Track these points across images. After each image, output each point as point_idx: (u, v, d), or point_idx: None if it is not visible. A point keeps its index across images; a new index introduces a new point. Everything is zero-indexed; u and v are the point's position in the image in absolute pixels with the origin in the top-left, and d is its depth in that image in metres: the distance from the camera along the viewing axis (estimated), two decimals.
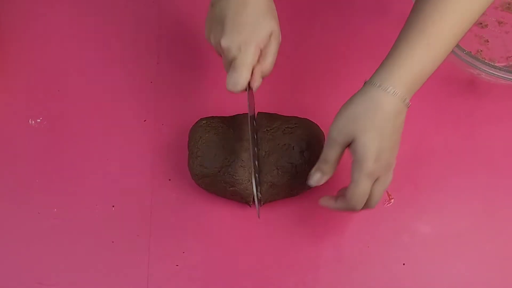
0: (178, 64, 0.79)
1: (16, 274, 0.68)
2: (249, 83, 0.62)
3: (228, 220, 0.70)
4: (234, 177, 0.66)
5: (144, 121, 0.76)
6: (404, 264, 0.68)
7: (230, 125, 0.69)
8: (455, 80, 0.79)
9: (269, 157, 0.67)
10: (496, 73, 0.70)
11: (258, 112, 0.71)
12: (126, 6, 0.84)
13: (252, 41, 0.60)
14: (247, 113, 0.72)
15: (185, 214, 0.70)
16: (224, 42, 0.61)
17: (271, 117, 0.70)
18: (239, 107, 0.72)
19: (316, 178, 0.63)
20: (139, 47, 0.80)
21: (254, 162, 0.64)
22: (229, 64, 0.62)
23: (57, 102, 0.77)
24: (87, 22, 0.82)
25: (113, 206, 0.71)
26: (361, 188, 0.59)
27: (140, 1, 0.84)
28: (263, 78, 0.64)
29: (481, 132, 0.75)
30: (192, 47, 0.80)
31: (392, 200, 0.71)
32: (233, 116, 0.71)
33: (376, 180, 0.60)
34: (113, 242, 0.69)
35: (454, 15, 0.59)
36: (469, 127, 0.76)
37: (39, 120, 0.76)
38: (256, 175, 0.64)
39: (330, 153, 0.61)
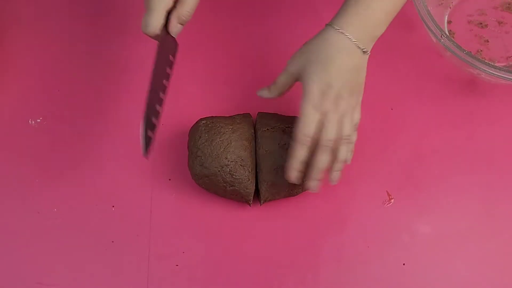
0: (178, 64, 0.79)
1: (16, 274, 0.68)
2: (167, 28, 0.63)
3: (228, 220, 0.70)
4: (234, 176, 0.66)
5: None
6: (404, 264, 0.68)
7: (230, 125, 0.69)
8: (455, 80, 0.79)
9: (269, 156, 0.67)
10: (496, 73, 0.70)
11: (258, 112, 0.71)
12: (126, 6, 0.83)
13: None
14: (247, 113, 0.72)
15: (185, 214, 0.70)
16: None
17: (271, 117, 0.70)
18: (239, 107, 0.72)
19: (263, 92, 0.68)
20: (139, 47, 0.80)
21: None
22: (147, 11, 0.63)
23: (57, 102, 0.77)
24: (87, 22, 0.82)
25: (113, 206, 0.71)
26: (308, 119, 0.62)
27: (140, 1, 0.84)
28: (184, 24, 0.65)
29: (481, 132, 0.75)
30: (192, 47, 0.80)
31: (392, 200, 0.71)
32: (233, 116, 0.71)
33: (343, 117, 0.63)
34: (113, 242, 0.69)
35: None
36: (469, 127, 0.76)
37: (39, 120, 0.76)
38: None
39: (280, 78, 0.66)
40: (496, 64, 0.73)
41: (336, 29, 0.62)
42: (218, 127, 0.68)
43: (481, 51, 0.80)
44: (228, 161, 0.66)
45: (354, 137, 0.66)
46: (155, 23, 0.62)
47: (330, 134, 0.62)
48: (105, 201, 0.71)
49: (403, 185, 0.72)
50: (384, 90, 0.77)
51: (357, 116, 0.65)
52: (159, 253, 0.68)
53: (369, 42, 0.64)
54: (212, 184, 0.67)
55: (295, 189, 0.68)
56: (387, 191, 0.71)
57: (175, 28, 0.64)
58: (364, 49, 0.63)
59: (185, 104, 0.76)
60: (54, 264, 0.68)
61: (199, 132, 0.68)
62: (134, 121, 0.76)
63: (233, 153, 0.66)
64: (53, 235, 0.69)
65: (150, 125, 0.62)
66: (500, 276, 0.68)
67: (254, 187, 0.67)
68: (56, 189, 0.72)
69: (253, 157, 0.68)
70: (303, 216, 0.70)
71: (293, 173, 0.63)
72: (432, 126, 0.76)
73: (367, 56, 0.64)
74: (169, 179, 0.72)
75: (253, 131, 0.69)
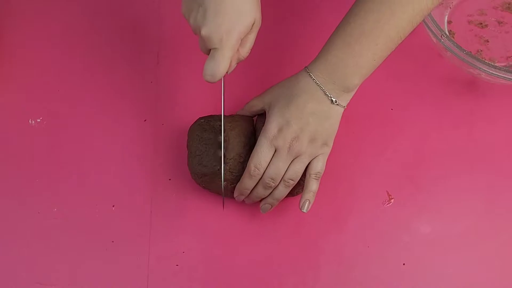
0: (178, 64, 0.79)
1: (16, 274, 0.68)
2: None
3: (228, 220, 0.70)
4: (234, 173, 0.66)
5: (144, 121, 0.76)
6: (404, 264, 0.68)
7: (228, 122, 0.69)
8: (455, 80, 0.79)
9: None
10: (496, 73, 0.70)
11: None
12: (126, 6, 0.83)
13: (234, 33, 0.57)
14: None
15: (185, 214, 0.70)
16: (205, 31, 0.57)
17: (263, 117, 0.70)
18: (239, 107, 0.72)
19: (239, 111, 0.71)
20: (139, 47, 0.80)
21: (222, 148, 0.66)
22: (207, 50, 0.60)
23: (57, 102, 0.77)
24: (87, 22, 0.82)
25: (113, 206, 0.71)
26: (260, 151, 0.62)
27: (140, 1, 0.84)
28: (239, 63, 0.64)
29: (481, 132, 0.75)
30: (192, 47, 0.80)
31: (392, 200, 0.71)
32: (232, 115, 0.71)
33: (294, 159, 0.63)
34: (113, 242, 0.69)
35: (378, 30, 0.60)
36: (469, 127, 0.76)
37: (39, 120, 0.76)
38: (223, 164, 0.65)
39: (253, 101, 0.68)
40: (496, 64, 0.73)
41: (307, 72, 0.63)
42: (216, 125, 0.68)
43: (481, 51, 0.80)
44: (227, 158, 0.66)
45: (313, 186, 0.64)
46: (223, 72, 0.59)
47: (271, 171, 0.63)
48: (105, 201, 0.71)
49: (403, 185, 0.72)
50: (384, 90, 0.77)
51: (317, 166, 0.64)
52: (159, 253, 0.68)
53: (340, 92, 0.62)
54: (212, 182, 0.67)
55: (295, 189, 0.68)
56: (387, 191, 0.71)
57: (232, 68, 0.63)
58: (332, 98, 0.62)
59: (185, 104, 0.76)
60: (54, 264, 0.68)
61: (198, 131, 0.68)
62: (134, 121, 0.76)
63: (232, 151, 0.66)
64: (53, 235, 0.69)
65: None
66: (500, 276, 0.68)
67: None
68: (56, 189, 0.72)
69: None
70: (303, 216, 0.70)
71: (239, 197, 0.67)
72: (432, 126, 0.76)
73: (339, 108, 0.63)
74: (169, 179, 0.72)
75: (252, 128, 0.69)
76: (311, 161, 0.64)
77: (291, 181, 0.64)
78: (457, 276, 0.68)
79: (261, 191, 0.65)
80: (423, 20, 0.73)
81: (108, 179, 0.72)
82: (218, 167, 0.66)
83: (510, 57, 0.80)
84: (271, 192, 0.65)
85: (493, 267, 0.68)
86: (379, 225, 0.70)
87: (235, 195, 0.67)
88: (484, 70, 0.70)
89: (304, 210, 0.64)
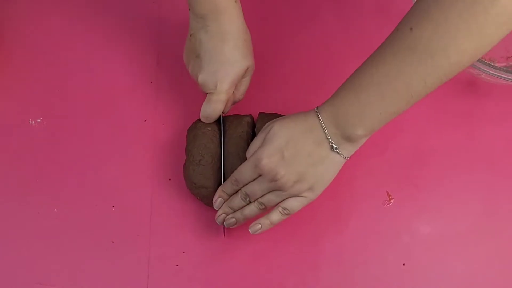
0: (178, 64, 0.79)
1: (16, 274, 0.68)
2: None
3: None
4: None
5: (144, 121, 0.76)
6: (404, 264, 0.68)
7: (229, 128, 0.68)
8: (455, 80, 0.78)
9: None
10: (496, 73, 0.70)
11: (260, 112, 0.71)
12: (126, 6, 0.83)
13: (228, 79, 0.64)
14: (248, 115, 0.72)
15: (185, 214, 0.70)
16: (201, 78, 0.65)
17: (272, 117, 0.70)
18: (239, 107, 0.72)
19: None
20: (139, 47, 0.80)
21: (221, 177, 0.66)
22: (205, 94, 0.67)
23: (57, 102, 0.77)
24: (87, 22, 0.82)
25: (113, 206, 0.71)
26: (245, 170, 0.61)
27: (140, 1, 0.84)
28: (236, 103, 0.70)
29: (481, 132, 0.75)
30: None
31: (392, 200, 0.71)
32: (232, 116, 0.71)
33: (275, 190, 0.60)
34: (113, 242, 0.69)
35: (386, 84, 0.55)
36: (469, 127, 0.76)
37: (39, 120, 0.76)
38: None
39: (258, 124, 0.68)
40: (496, 64, 0.73)
41: (316, 111, 0.60)
42: (220, 135, 0.68)
43: None
44: (225, 171, 0.66)
45: (275, 218, 0.62)
46: (218, 114, 0.67)
47: (248, 190, 0.62)
48: (105, 201, 0.71)
49: (403, 185, 0.72)
50: None
51: (291, 204, 0.61)
52: (159, 253, 0.68)
53: (342, 140, 0.59)
54: (209, 196, 0.67)
55: None
56: (387, 191, 0.71)
57: (228, 109, 0.69)
58: (333, 144, 0.59)
59: (185, 104, 0.76)
60: (54, 264, 0.68)
61: (205, 140, 0.67)
62: (134, 121, 0.76)
63: (227, 162, 0.66)
64: (53, 235, 0.69)
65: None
66: (500, 276, 0.68)
67: None
68: (56, 189, 0.72)
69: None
70: (303, 216, 0.70)
71: (216, 200, 0.65)
72: (432, 126, 0.76)
73: (339, 157, 0.60)
74: (169, 179, 0.72)
75: (250, 131, 0.69)
76: (289, 197, 0.61)
77: (263, 205, 0.62)
78: (457, 276, 0.68)
79: (237, 201, 0.63)
80: None
81: (108, 179, 0.72)
82: (219, 183, 0.66)
83: (510, 57, 0.80)
84: (242, 207, 0.64)
85: (493, 267, 0.68)
86: (379, 225, 0.70)
87: (214, 199, 0.65)
88: (484, 70, 0.70)
89: (251, 231, 0.63)
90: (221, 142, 0.68)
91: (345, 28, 0.82)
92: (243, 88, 0.68)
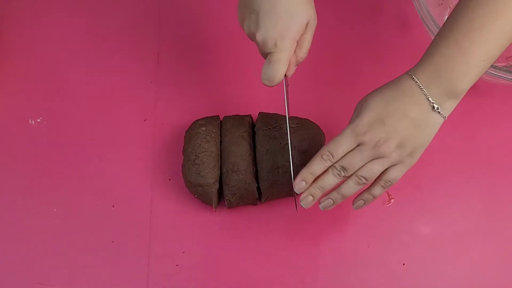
0: (178, 64, 0.79)
1: (16, 274, 0.68)
2: None
3: (228, 220, 0.70)
4: (230, 185, 0.66)
5: (144, 121, 0.76)
6: (404, 264, 0.68)
7: (226, 130, 0.68)
8: None
9: (270, 156, 0.67)
10: (496, 73, 0.70)
11: (260, 112, 0.71)
12: (126, 6, 0.83)
13: (288, 35, 0.57)
14: (248, 115, 0.72)
15: (185, 214, 0.70)
16: (259, 36, 0.57)
17: (272, 117, 0.70)
18: (239, 107, 0.72)
19: None
20: (139, 47, 0.80)
21: (291, 153, 0.62)
22: (265, 55, 0.59)
23: (57, 102, 0.77)
24: (87, 22, 0.82)
25: (113, 206, 0.71)
26: (340, 141, 0.57)
27: (140, 1, 0.84)
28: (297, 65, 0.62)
29: (481, 132, 0.75)
30: (192, 47, 0.80)
31: (392, 200, 0.71)
32: (230, 116, 0.71)
33: (375, 159, 0.58)
34: (113, 242, 0.69)
35: (489, 24, 0.55)
36: (469, 127, 0.76)
37: (39, 120, 0.76)
38: (291, 169, 0.62)
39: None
40: (496, 64, 0.73)
41: (409, 74, 0.58)
42: (217, 134, 0.68)
43: None
44: (222, 171, 0.66)
45: (377, 192, 0.60)
46: (281, 76, 0.59)
47: (345, 162, 0.58)
48: (105, 201, 0.71)
49: (403, 185, 0.72)
50: None
51: (392, 174, 0.59)
52: (159, 253, 0.68)
53: (444, 98, 0.57)
54: (205, 194, 0.67)
55: None
56: (387, 191, 0.71)
57: (292, 71, 0.62)
58: (434, 104, 0.56)
59: (185, 104, 0.76)
60: (54, 264, 0.68)
61: (199, 140, 0.67)
62: (134, 121, 0.76)
63: (226, 161, 0.66)
64: (53, 235, 0.69)
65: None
66: (500, 276, 0.68)
67: (255, 187, 0.67)
68: (56, 189, 0.72)
69: (247, 159, 0.67)
70: (303, 216, 0.70)
71: (299, 183, 0.59)
72: None
73: (440, 117, 0.58)
74: (169, 179, 0.72)
75: (250, 131, 0.69)
76: (389, 167, 0.58)
77: (363, 179, 0.58)
78: (457, 276, 0.68)
79: (329, 179, 0.59)
80: (423, 20, 0.73)
81: (108, 179, 0.72)
82: (213, 181, 0.66)
83: (510, 57, 0.80)
84: (337, 187, 0.60)
85: (493, 267, 0.68)
86: (379, 225, 0.70)
87: (296, 181, 0.59)
88: None
89: (354, 207, 0.61)
90: (219, 141, 0.68)
91: (344, 28, 0.82)
92: (305, 45, 0.60)
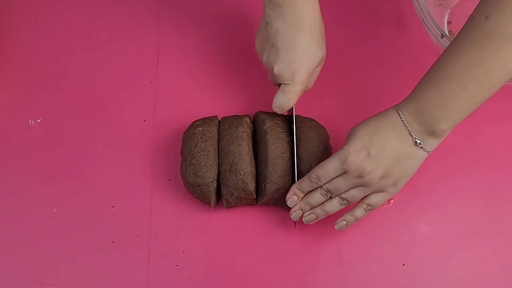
0: (178, 64, 0.79)
1: (16, 274, 0.68)
2: None
3: (228, 220, 0.70)
4: (227, 185, 0.66)
5: (144, 121, 0.76)
6: (404, 264, 0.68)
7: (224, 130, 0.68)
8: None
9: (284, 160, 0.66)
10: None
11: (257, 111, 0.71)
12: (126, 6, 0.83)
13: (305, 70, 0.64)
14: (247, 115, 0.72)
15: (185, 214, 0.70)
16: (278, 69, 0.64)
17: (268, 115, 0.70)
18: (239, 107, 0.72)
19: None
20: (139, 47, 0.80)
21: (294, 172, 0.66)
22: (277, 83, 0.66)
23: (57, 102, 0.77)
24: (87, 22, 0.82)
25: (113, 206, 0.71)
26: (330, 168, 0.61)
27: (140, 1, 0.84)
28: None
29: (481, 132, 0.75)
30: (192, 47, 0.80)
31: (392, 200, 0.71)
32: (229, 117, 0.71)
33: (359, 186, 0.61)
34: (113, 242, 0.69)
35: (467, 73, 0.56)
36: (469, 127, 0.75)
37: (39, 120, 0.76)
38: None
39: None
40: None
41: (396, 109, 0.61)
42: (214, 133, 0.68)
43: None
44: (222, 169, 0.66)
45: (359, 214, 0.63)
46: (293, 104, 0.66)
47: (330, 186, 0.63)
48: (105, 201, 0.71)
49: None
50: (384, 90, 0.77)
51: (375, 199, 0.62)
52: (159, 253, 0.68)
53: (425, 136, 0.59)
54: (203, 194, 0.67)
55: None
56: None
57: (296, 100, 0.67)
58: (417, 139, 0.59)
59: (184, 104, 0.76)
60: (54, 264, 0.68)
61: (195, 140, 0.67)
62: (134, 121, 0.76)
63: (225, 160, 0.66)
64: (53, 235, 0.69)
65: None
66: (500, 276, 0.68)
67: (253, 187, 0.67)
68: (56, 189, 0.72)
69: (246, 159, 0.67)
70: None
71: (292, 197, 0.65)
72: None
73: (422, 152, 0.60)
74: (169, 179, 0.72)
75: (249, 131, 0.69)
76: (372, 193, 0.62)
77: (346, 200, 0.63)
78: (456, 276, 0.68)
79: (317, 197, 0.64)
80: (423, 20, 0.73)
81: (108, 180, 0.72)
82: (211, 180, 0.66)
83: None
84: (322, 203, 0.65)
85: (493, 267, 0.68)
86: (379, 225, 0.70)
87: (288, 196, 0.65)
88: None
89: (336, 228, 0.65)
90: (217, 140, 0.68)
91: (344, 28, 0.82)
92: (314, 77, 0.68)
